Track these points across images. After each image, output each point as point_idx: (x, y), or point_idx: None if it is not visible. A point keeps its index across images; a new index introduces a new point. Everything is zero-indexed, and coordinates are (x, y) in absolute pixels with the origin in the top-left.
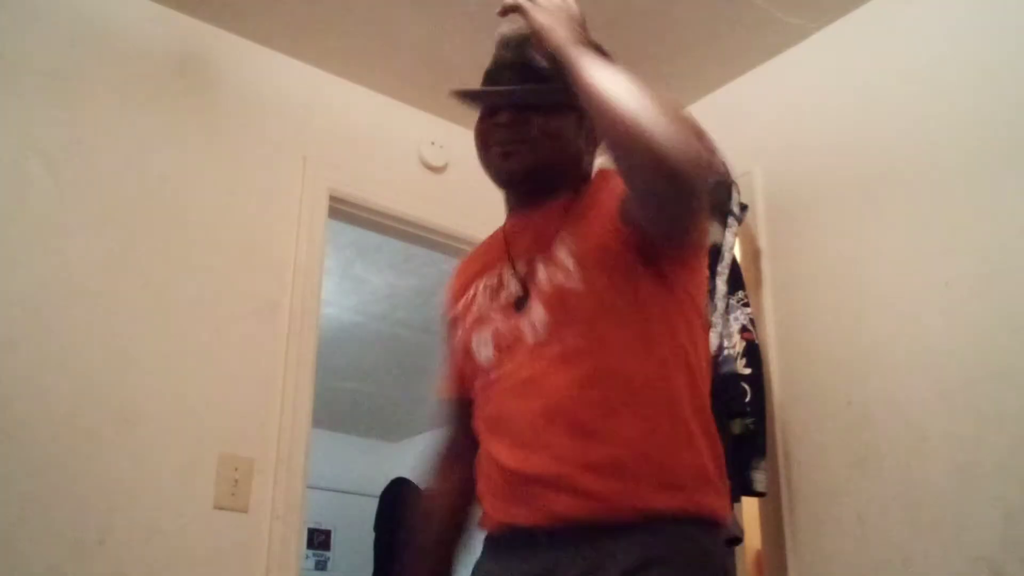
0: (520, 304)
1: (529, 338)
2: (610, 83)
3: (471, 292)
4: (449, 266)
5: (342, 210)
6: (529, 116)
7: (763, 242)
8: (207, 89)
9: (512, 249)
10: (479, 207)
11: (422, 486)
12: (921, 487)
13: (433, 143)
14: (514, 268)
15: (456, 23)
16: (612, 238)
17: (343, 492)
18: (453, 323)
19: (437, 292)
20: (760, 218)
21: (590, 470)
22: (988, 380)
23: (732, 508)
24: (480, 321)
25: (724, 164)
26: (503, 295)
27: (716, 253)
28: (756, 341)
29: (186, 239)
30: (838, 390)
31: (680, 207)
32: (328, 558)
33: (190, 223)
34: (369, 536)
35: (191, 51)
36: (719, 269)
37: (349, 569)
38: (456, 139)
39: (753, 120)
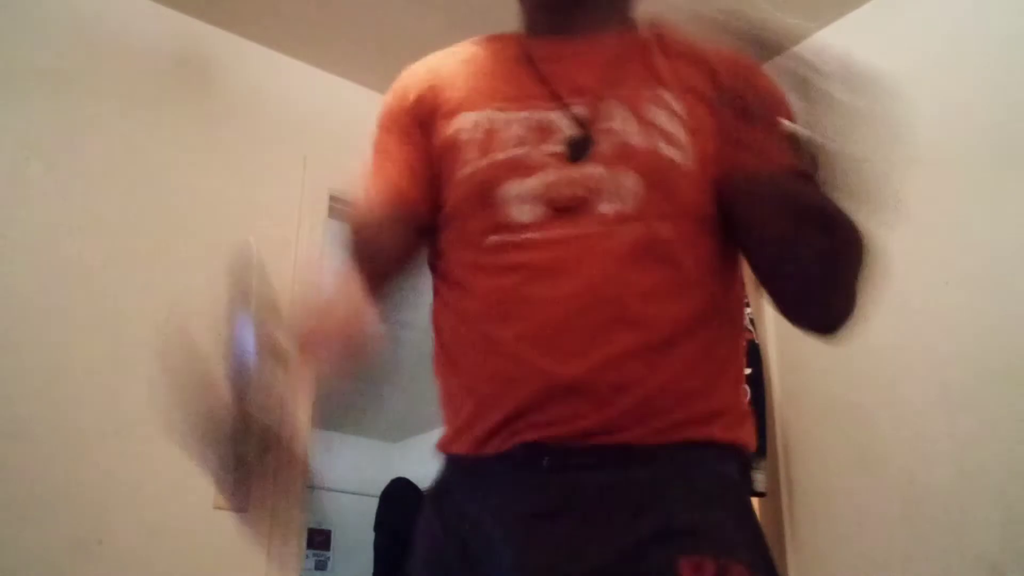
0: (579, 152)
1: (604, 207)
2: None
3: (480, 117)
4: None
5: (342, 210)
6: None
7: None
8: (207, 89)
9: (556, 82)
10: None
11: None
12: (921, 487)
13: None
14: (568, 107)
15: (456, 22)
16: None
17: (343, 492)
18: (441, 135)
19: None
20: None
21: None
22: (988, 380)
23: None
24: (518, 166)
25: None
26: (553, 140)
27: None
28: (756, 341)
29: (186, 239)
30: (838, 390)
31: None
32: (328, 558)
33: (190, 223)
34: (369, 536)
35: (191, 51)
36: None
37: (349, 569)
38: None
39: None
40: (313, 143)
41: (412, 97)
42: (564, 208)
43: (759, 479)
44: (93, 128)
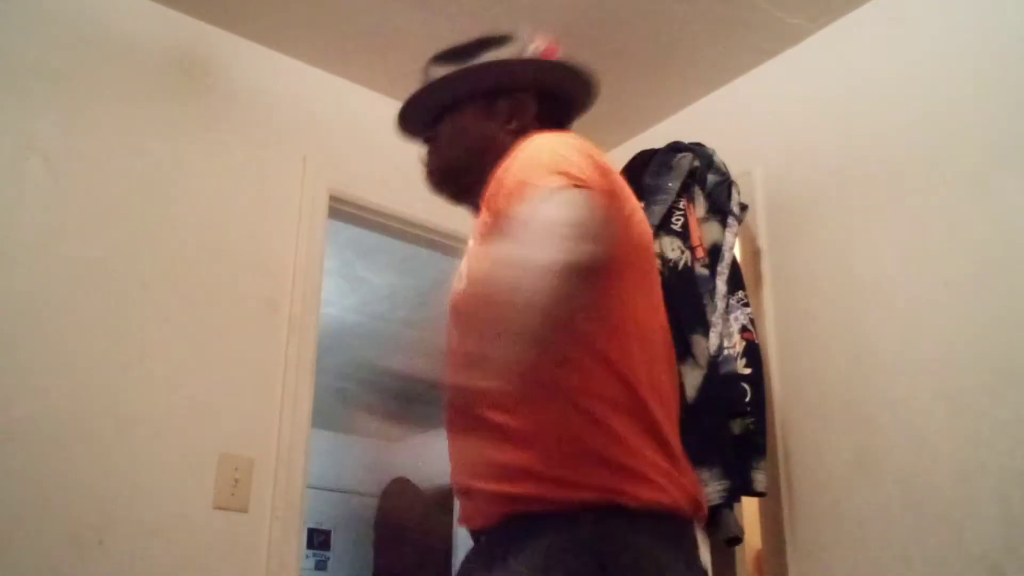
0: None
1: (452, 307)
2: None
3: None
4: (449, 266)
5: (342, 210)
6: (437, 127)
7: (763, 242)
8: (207, 89)
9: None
10: None
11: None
12: (921, 487)
13: None
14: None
15: (456, 23)
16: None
17: (343, 492)
18: None
19: (437, 292)
20: (760, 218)
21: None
22: (988, 380)
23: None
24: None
25: (723, 163)
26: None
27: (716, 253)
28: (756, 341)
29: (186, 239)
30: (838, 390)
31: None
32: (328, 558)
33: (190, 223)
34: (369, 536)
35: (191, 51)
36: (719, 269)
37: (349, 569)
38: None
39: (753, 120)
40: (313, 143)
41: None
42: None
43: (759, 479)
44: (93, 128)
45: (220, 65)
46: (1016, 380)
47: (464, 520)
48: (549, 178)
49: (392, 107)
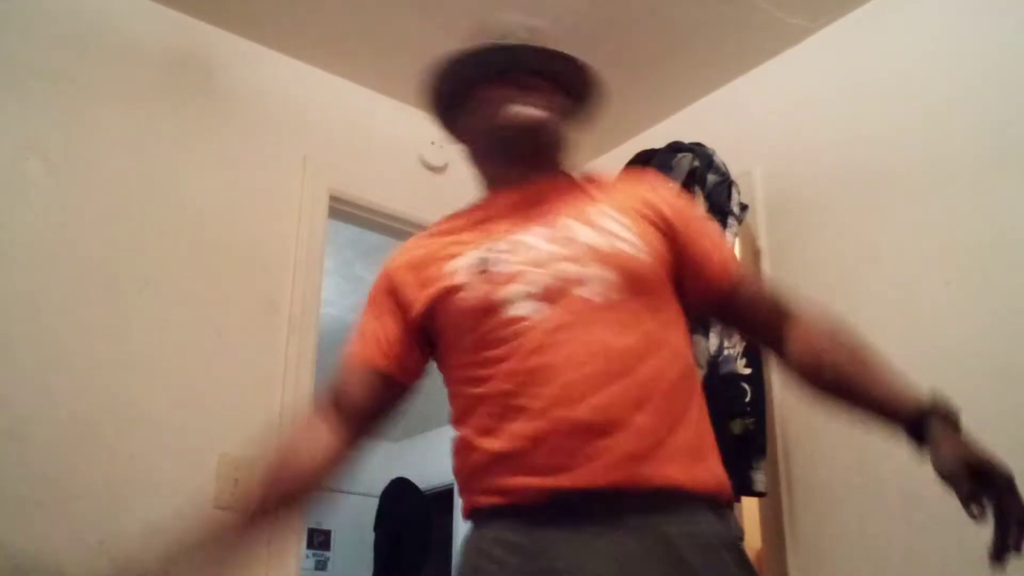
0: (549, 263)
1: (584, 292)
2: None
3: (460, 262)
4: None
5: (342, 210)
6: (556, 92)
7: (763, 242)
8: (207, 89)
9: (521, 215)
10: None
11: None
12: (921, 487)
13: (433, 143)
14: (530, 228)
15: (456, 23)
16: (660, 242)
17: (343, 492)
18: (431, 297)
19: None
20: (760, 218)
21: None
22: (988, 380)
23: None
24: (501, 280)
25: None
26: (525, 252)
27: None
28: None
29: (186, 239)
30: None
31: None
32: (328, 558)
33: (190, 223)
34: (369, 536)
35: (191, 51)
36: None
37: (349, 569)
38: None
39: (753, 120)
40: (313, 143)
41: (404, 276)
42: (551, 298)
43: (759, 479)
44: (93, 128)
45: (220, 65)
46: (1016, 380)
47: (583, 478)
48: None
49: (392, 107)
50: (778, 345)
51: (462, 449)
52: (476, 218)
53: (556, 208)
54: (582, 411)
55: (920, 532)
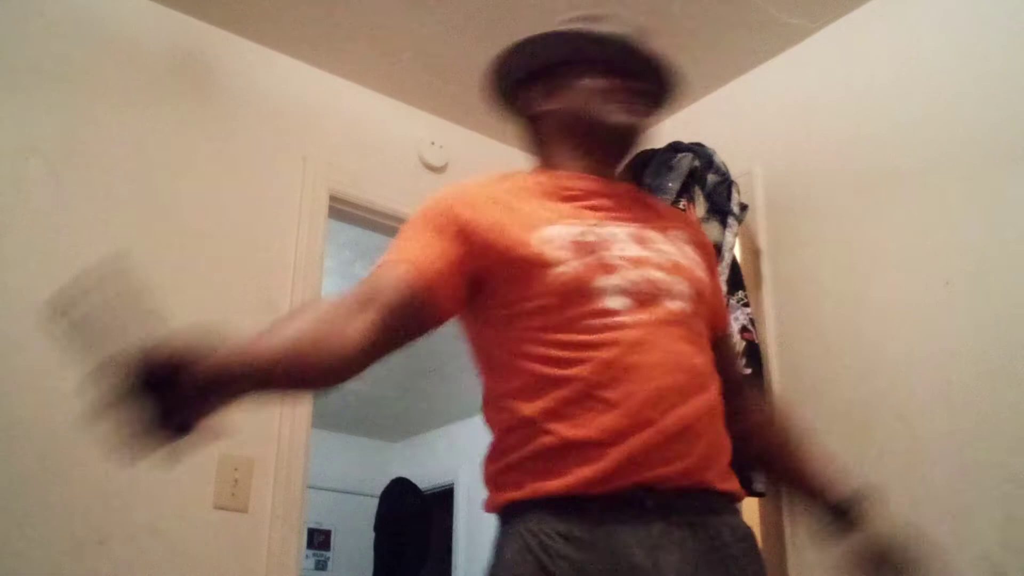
0: (643, 265)
1: (671, 304)
2: None
3: (554, 231)
4: None
5: (342, 210)
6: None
7: (763, 242)
8: (207, 89)
9: (607, 209)
10: None
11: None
12: (921, 487)
13: (433, 143)
14: (615, 228)
15: (456, 23)
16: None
17: (343, 492)
18: (518, 255)
19: None
20: (760, 218)
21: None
22: (988, 380)
23: None
24: (601, 269)
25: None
26: (620, 248)
27: (716, 253)
28: (756, 341)
29: (186, 239)
30: (838, 390)
31: None
32: (328, 558)
33: (190, 223)
34: (369, 536)
35: (191, 51)
36: (719, 269)
37: (349, 569)
38: (456, 139)
39: (753, 120)
40: (313, 143)
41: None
42: (644, 301)
43: (759, 479)
44: (94, 128)
45: (220, 65)
46: (1016, 380)
47: (681, 473)
48: None
49: (392, 107)
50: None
51: (523, 428)
52: (558, 191)
53: (640, 214)
54: (670, 419)
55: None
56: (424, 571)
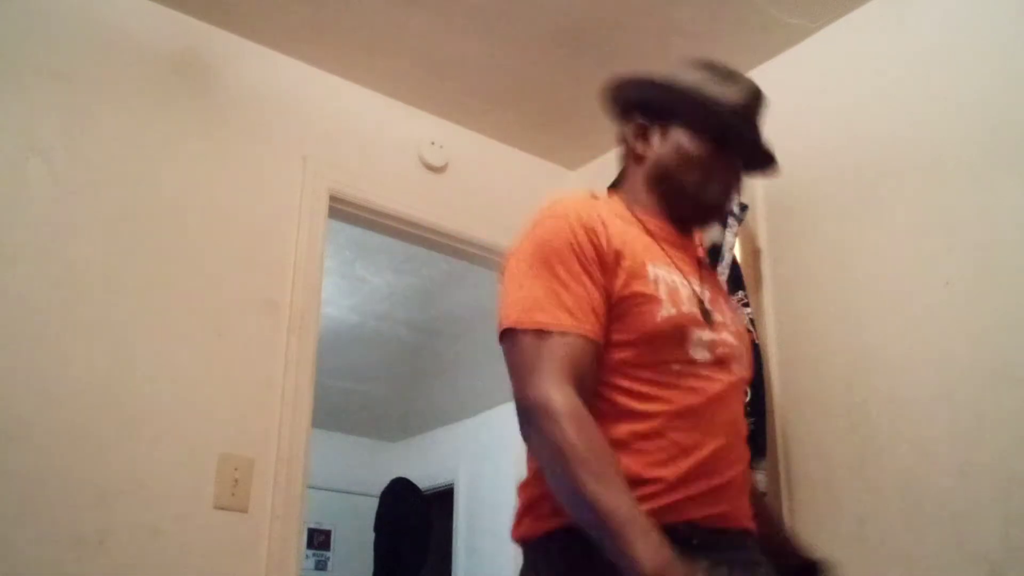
0: (707, 318)
1: (736, 368)
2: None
3: (663, 274)
4: (449, 266)
5: (342, 210)
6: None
7: (763, 242)
8: (207, 89)
9: (690, 264)
10: (479, 207)
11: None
12: (921, 487)
13: (433, 143)
14: (696, 285)
15: (455, 23)
16: None
17: (343, 492)
18: (635, 290)
19: (437, 292)
20: (760, 218)
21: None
22: (988, 380)
23: None
24: (694, 321)
25: None
26: (708, 305)
27: (716, 253)
28: (756, 341)
29: (186, 239)
30: (838, 390)
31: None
32: (328, 558)
33: (190, 223)
34: (369, 536)
35: (191, 51)
36: (719, 269)
37: (349, 569)
38: (456, 139)
39: None
40: (313, 143)
41: (612, 242)
42: (722, 359)
43: (759, 479)
44: (93, 128)
45: (220, 65)
46: (1016, 380)
47: (730, 519)
48: None
49: (392, 107)
50: None
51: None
52: (651, 231)
53: (712, 278)
54: (728, 474)
55: (920, 532)
56: (424, 571)
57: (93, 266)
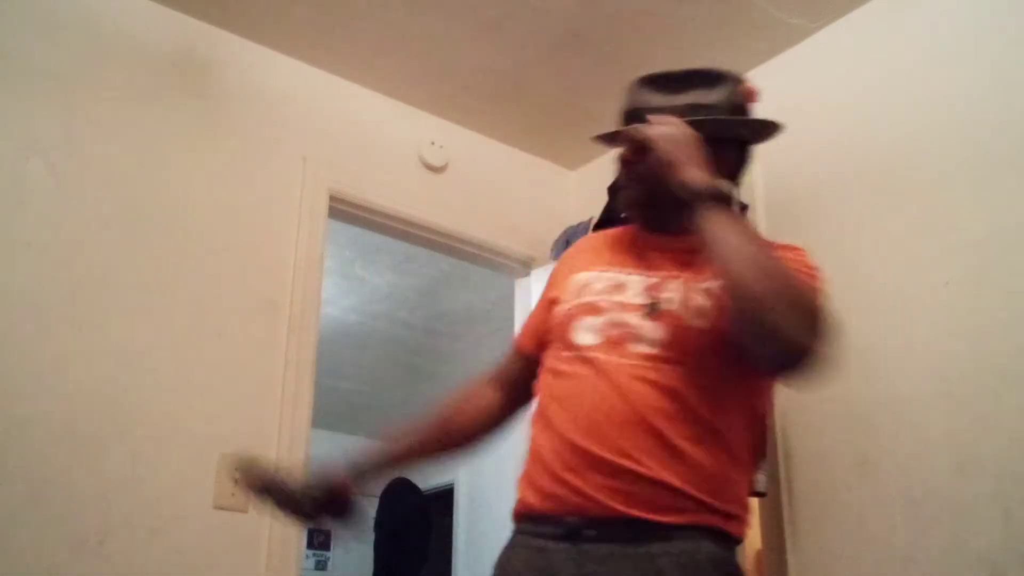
0: (649, 310)
1: (638, 345)
2: (740, 255)
3: (586, 276)
4: (449, 266)
5: (342, 210)
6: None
7: None
8: (207, 89)
9: (643, 259)
10: (479, 207)
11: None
12: (921, 487)
13: (433, 143)
14: (645, 275)
15: (456, 23)
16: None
17: None
18: (554, 297)
19: (437, 292)
20: (760, 218)
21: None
22: (988, 380)
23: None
24: (592, 308)
25: None
26: (627, 293)
27: None
28: None
29: (186, 239)
30: (838, 390)
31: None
32: (328, 558)
33: (190, 223)
34: (369, 536)
35: (191, 51)
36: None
37: (349, 569)
38: (456, 139)
39: None
40: (313, 143)
41: (558, 269)
42: (612, 341)
43: (759, 479)
44: (94, 128)
45: (220, 65)
46: (1015, 380)
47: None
48: None
49: (392, 107)
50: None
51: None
52: (621, 240)
53: (691, 268)
54: (601, 452)
55: (920, 532)
56: (424, 571)
57: (93, 266)
